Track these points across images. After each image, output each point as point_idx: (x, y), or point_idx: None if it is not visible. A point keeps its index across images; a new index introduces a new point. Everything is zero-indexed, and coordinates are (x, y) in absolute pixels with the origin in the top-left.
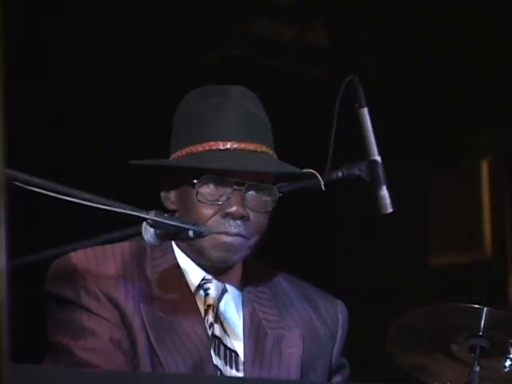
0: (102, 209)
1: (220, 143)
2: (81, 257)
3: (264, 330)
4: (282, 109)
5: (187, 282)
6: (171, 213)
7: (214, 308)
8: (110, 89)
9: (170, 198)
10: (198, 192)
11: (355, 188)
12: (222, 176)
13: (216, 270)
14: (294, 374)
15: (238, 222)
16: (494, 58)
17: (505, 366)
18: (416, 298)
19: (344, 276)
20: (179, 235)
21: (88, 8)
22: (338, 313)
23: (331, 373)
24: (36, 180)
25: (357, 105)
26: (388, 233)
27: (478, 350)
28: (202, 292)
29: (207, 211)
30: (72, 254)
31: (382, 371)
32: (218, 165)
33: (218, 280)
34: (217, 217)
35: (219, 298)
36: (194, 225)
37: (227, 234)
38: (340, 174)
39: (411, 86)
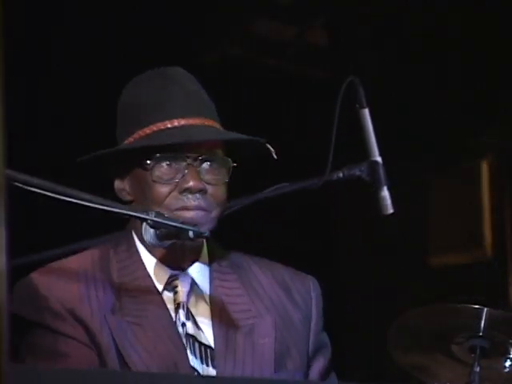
0: (101, 209)
1: (167, 122)
2: (42, 276)
3: (234, 323)
4: (282, 109)
5: (154, 283)
6: (127, 204)
7: (184, 305)
8: (109, 89)
9: (125, 187)
10: (152, 172)
11: (356, 189)
12: (174, 152)
13: (182, 263)
14: (267, 364)
15: (197, 195)
16: (493, 58)
17: (505, 367)
18: (416, 298)
19: (345, 276)
20: (179, 236)
21: (88, 8)
22: (310, 292)
23: (311, 356)
24: (36, 180)
25: (357, 105)
26: (388, 233)
27: (478, 351)
28: (170, 290)
29: (164, 189)
30: (33, 275)
31: (382, 371)
32: (167, 140)
33: (185, 274)
34: (174, 193)
35: (188, 294)
36: (194, 225)
37: (187, 208)
38: (341, 175)
39: (411, 86)
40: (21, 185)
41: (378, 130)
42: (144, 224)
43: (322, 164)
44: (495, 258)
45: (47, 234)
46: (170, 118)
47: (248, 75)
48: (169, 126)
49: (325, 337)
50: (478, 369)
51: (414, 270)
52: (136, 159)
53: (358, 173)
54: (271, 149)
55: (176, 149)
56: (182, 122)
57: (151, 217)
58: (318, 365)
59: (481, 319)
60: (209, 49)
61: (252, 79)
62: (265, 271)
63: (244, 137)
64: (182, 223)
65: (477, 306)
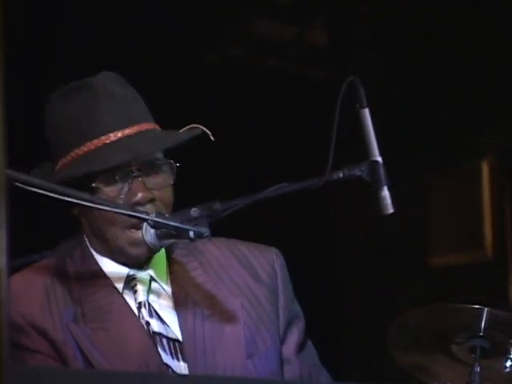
0: (101, 209)
1: (103, 138)
2: None
3: (201, 314)
4: (282, 109)
5: (113, 285)
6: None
7: (146, 303)
8: None
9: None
10: (99, 193)
11: (356, 188)
12: (117, 170)
13: (137, 261)
14: (238, 350)
15: (148, 206)
16: (493, 58)
17: (505, 367)
18: (416, 298)
19: (345, 276)
20: (180, 236)
21: (88, 8)
22: (273, 264)
23: (284, 331)
24: (36, 181)
25: (358, 105)
26: (389, 233)
27: (478, 351)
28: (130, 290)
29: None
30: None
31: (382, 371)
32: (107, 163)
33: (143, 271)
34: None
35: (148, 290)
36: (194, 226)
37: (136, 227)
38: (341, 175)
39: (411, 86)
40: (21, 185)
41: (377, 130)
42: (144, 224)
43: (322, 164)
44: (495, 258)
45: (47, 234)
46: (105, 132)
47: (248, 75)
48: (106, 141)
49: (296, 308)
50: (478, 369)
51: (414, 270)
52: (80, 183)
53: (358, 173)
54: (208, 132)
55: (118, 166)
56: (119, 134)
57: (152, 217)
58: (293, 338)
59: (481, 319)
60: (209, 49)
61: (252, 79)
62: (224, 251)
63: (181, 139)
64: (183, 223)
65: (477, 306)
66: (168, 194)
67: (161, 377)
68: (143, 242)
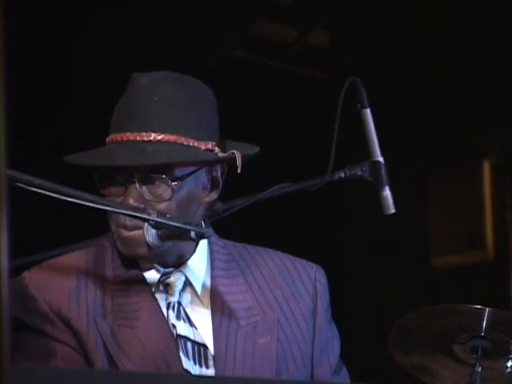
0: (103, 209)
1: (116, 136)
2: (33, 276)
3: (235, 323)
4: (282, 109)
5: (147, 282)
6: None
7: (175, 305)
8: (109, 89)
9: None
10: (100, 187)
11: (357, 189)
12: (112, 171)
13: (174, 260)
14: (269, 365)
15: None
16: (493, 58)
17: (507, 367)
18: (417, 299)
19: (345, 276)
20: (181, 236)
21: (88, 8)
22: (315, 283)
23: (319, 353)
24: (37, 181)
25: (359, 105)
26: (389, 233)
27: (479, 351)
28: (162, 291)
29: None
30: (25, 275)
31: (382, 371)
32: (82, 161)
33: (179, 272)
34: None
35: (181, 292)
36: (195, 226)
37: (125, 227)
38: (342, 175)
39: (411, 86)
40: (22, 185)
41: (377, 130)
42: (146, 224)
43: (322, 164)
44: (496, 257)
45: (47, 234)
46: (118, 131)
47: (248, 75)
48: (118, 139)
49: (333, 329)
50: (479, 369)
51: (414, 270)
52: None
53: (359, 173)
54: (239, 163)
55: (112, 167)
56: (128, 136)
57: (153, 217)
58: (329, 362)
59: (482, 320)
60: (209, 49)
61: (252, 79)
62: (268, 263)
63: (150, 162)
64: (184, 223)
65: (478, 307)
66: (166, 208)
67: (167, 377)
68: (127, 242)
